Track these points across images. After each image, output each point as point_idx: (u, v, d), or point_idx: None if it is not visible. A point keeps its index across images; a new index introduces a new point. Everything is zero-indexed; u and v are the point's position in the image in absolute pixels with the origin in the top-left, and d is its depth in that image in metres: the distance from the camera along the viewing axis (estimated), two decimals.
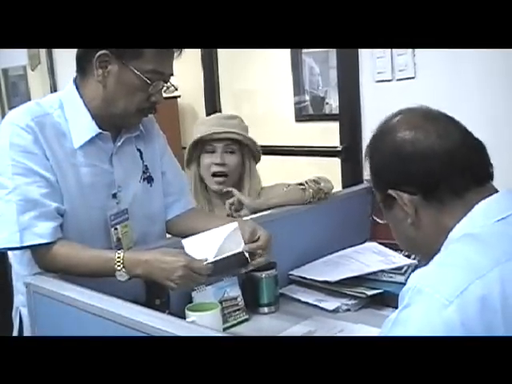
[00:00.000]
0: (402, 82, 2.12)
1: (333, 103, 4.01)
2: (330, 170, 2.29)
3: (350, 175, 2.32)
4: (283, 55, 4.18)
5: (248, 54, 4.02)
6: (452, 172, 1.00)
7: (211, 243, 1.36)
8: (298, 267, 1.86)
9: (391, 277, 1.73)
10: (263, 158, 2.07)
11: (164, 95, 1.47)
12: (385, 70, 2.15)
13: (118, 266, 1.30)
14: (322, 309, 1.68)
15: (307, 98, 4.26)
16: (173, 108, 4.81)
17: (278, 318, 1.67)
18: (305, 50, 4.13)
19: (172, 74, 1.44)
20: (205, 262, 1.31)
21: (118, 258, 1.30)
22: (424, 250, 1.07)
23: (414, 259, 1.76)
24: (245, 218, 1.67)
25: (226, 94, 3.30)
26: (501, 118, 1.90)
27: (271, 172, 2.24)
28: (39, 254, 1.37)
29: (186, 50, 1.42)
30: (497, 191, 1.02)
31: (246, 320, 1.65)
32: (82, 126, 1.43)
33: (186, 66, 1.75)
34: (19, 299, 1.52)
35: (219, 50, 3.09)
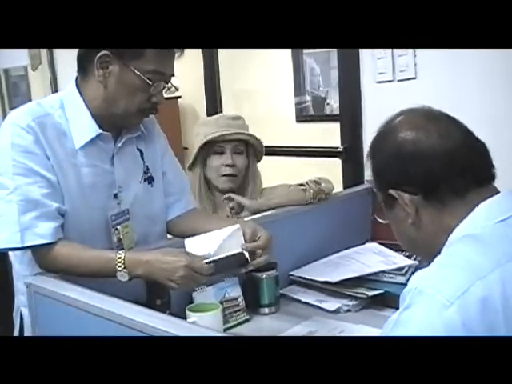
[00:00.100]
0: (402, 82, 2.12)
1: (333, 104, 4.01)
2: (331, 171, 2.29)
3: (351, 176, 2.32)
4: (284, 55, 4.17)
5: (249, 55, 4.02)
6: (452, 172, 1.00)
7: (212, 243, 1.36)
8: (299, 268, 1.86)
9: (392, 277, 1.73)
10: (264, 158, 2.07)
11: (165, 95, 1.47)
12: (386, 71, 2.15)
13: (119, 266, 1.30)
14: (322, 309, 1.68)
15: (308, 98, 4.26)
16: (173, 108, 4.80)
17: (278, 318, 1.67)
18: (306, 51, 4.13)
19: (173, 75, 1.44)
20: (205, 260, 1.31)
21: (119, 258, 1.30)
22: (425, 250, 1.07)
23: (415, 260, 1.76)
24: (245, 219, 1.67)
25: (227, 94, 3.30)
26: (501, 118, 1.90)
27: (272, 172, 2.24)
28: (40, 254, 1.37)
29: (186, 50, 1.42)
30: (498, 192, 1.02)
31: (247, 320, 1.65)
32: (83, 127, 1.43)
33: (187, 66, 1.75)
34: (20, 299, 1.52)
35: (220, 51, 3.09)
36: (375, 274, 1.75)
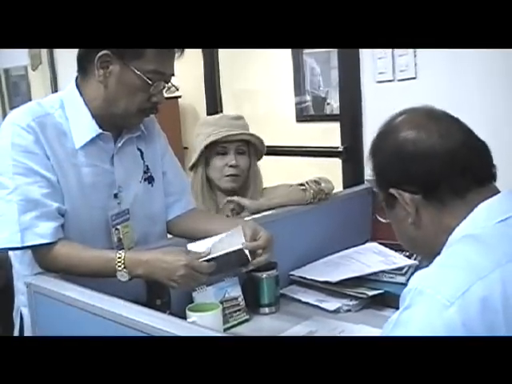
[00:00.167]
0: (403, 82, 2.12)
1: (334, 103, 4.01)
2: (331, 171, 2.29)
3: (351, 176, 2.32)
4: (284, 55, 4.17)
5: (249, 54, 4.01)
6: (453, 172, 1.00)
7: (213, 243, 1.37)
8: (299, 267, 1.86)
9: (392, 277, 1.73)
10: (264, 158, 2.07)
11: (165, 95, 1.47)
12: (386, 71, 2.15)
13: (119, 266, 1.30)
14: (322, 309, 1.68)
15: (308, 98, 4.26)
16: (174, 108, 4.81)
17: (278, 318, 1.67)
18: (306, 51, 4.13)
19: (173, 75, 1.44)
20: (205, 258, 1.31)
21: (119, 258, 1.31)
22: (425, 250, 1.07)
23: (415, 260, 1.77)
24: (246, 219, 1.67)
25: (227, 94, 3.29)
26: (501, 118, 1.90)
27: (272, 172, 2.23)
28: (40, 254, 1.37)
29: (186, 49, 1.42)
30: (499, 192, 1.02)
31: (247, 320, 1.65)
32: (83, 126, 1.43)
33: (187, 66, 1.75)
34: (20, 299, 1.52)
35: (220, 50, 3.09)
36: (375, 273, 1.75)
